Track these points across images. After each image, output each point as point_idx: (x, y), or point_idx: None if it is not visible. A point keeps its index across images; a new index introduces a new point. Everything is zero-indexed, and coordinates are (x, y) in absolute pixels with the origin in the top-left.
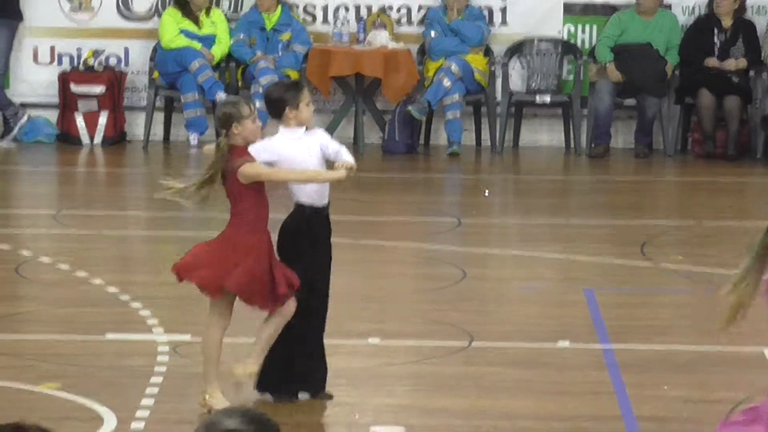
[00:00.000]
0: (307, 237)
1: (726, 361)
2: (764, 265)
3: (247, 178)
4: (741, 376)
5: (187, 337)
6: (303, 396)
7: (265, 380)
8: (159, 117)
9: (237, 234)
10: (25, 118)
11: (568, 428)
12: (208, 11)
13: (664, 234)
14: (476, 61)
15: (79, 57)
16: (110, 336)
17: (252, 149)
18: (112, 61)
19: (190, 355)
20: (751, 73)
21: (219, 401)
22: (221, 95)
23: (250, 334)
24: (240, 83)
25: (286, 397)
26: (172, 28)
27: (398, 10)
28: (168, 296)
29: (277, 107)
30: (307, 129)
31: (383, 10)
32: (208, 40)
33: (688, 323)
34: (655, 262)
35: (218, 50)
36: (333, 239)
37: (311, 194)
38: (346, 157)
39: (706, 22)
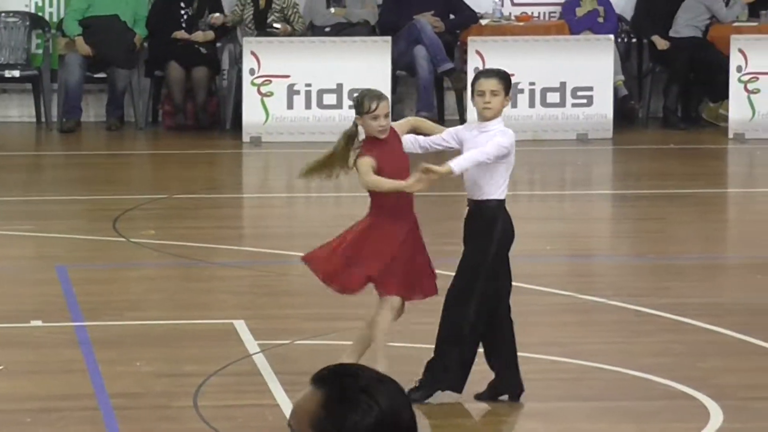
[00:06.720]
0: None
1: (197, 334)
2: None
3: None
4: (212, 348)
5: None
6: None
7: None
8: None
9: (378, 222)
10: None
11: (41, 407)
12: None
13: (137, 208)
14: None
15: None
16: None
17: None
18: None
19: None
20: (219, 44)
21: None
22: None
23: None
24: None
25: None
26: None
27: None
28: None
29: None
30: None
31: None
32: None
33: (160, 297)
34: (127, 236)
35: None
36: None
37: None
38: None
39: None
